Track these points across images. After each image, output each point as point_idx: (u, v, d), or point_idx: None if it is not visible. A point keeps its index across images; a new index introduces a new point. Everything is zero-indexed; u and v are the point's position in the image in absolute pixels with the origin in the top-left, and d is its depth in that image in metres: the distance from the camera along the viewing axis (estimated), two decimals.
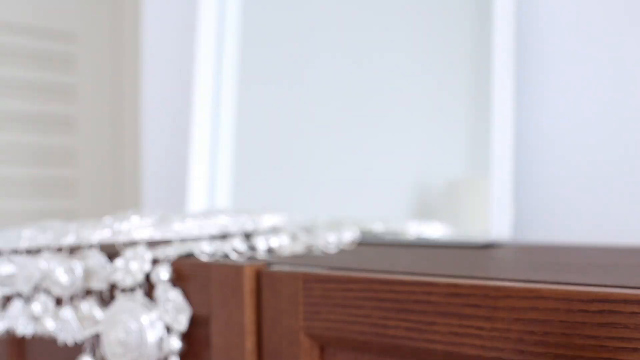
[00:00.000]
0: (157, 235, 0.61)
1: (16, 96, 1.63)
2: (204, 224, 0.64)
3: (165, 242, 0.62)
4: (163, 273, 0.57)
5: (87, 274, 0.61)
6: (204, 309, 0.56)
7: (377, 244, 0.75)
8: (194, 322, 0.57)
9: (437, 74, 0.82)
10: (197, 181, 0.93)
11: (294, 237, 0.68)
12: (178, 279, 0.58)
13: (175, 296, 0.57)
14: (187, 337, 0.58)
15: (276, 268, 0.54)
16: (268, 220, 0.69)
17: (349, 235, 0.71)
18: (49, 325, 0.62)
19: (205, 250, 0.60)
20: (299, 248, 0.66)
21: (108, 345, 0.59)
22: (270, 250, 0.65)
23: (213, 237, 0.65)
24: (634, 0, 0.74)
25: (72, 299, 0.62)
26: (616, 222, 0.74)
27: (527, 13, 0.80)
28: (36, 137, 1.66)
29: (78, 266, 0.61)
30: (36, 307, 0.63)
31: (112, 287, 0.61)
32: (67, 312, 0.61)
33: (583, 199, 0.76)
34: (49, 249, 0.63)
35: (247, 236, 0.66)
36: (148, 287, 0.59)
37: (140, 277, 0.58)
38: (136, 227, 0.61)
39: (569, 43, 0.78)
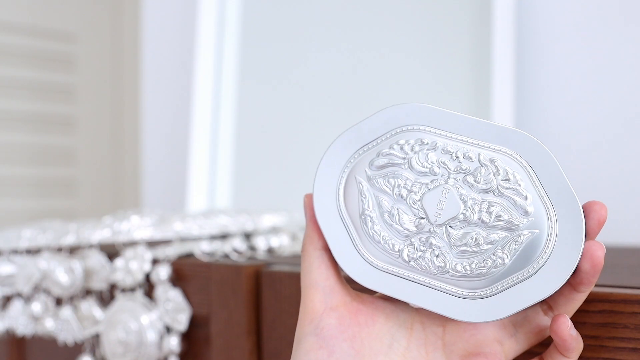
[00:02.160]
0: (157, 235, 0.61)
1: (16, 96, 1.63)
2: (204, 224, 0.64)
3: (165, 242, 0.62)
4: (163, 273, 0.57)
5: (87, 273, 0.61)
6: (204, 309, 0.57)
7: None
8: (194, 322, 0.57)
9: (436, 73, 0.82)
10: (197, 181, 0.93)
11: (294, 237, 0.68)
12: (178, 279, 0.58)
13: (175, 296, 0.57)
14: (187, 337, 0.58)
15: (276, 268, 0.54)
16: (268, 220, 0.69)
17: None
18: (49, 325, 0.62)
19: (205, 250, 0.60)
20: (299, 248, 0.66)
21: (108, 345, 0.59)
22: (270, 250, 0.65)
23: (213, 237, 0.65)
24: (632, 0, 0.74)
25: (72, 298, 0.62)
26: (616, 222, 0.74)
27: (527, 13, 0.80)
28: (36, 137, 1.66)
29: (78, 266, 0.61)
30: (36, 307, 0.63)
31: (112, 287, 0.61)
32: (67, 312, 0.61)
33: (583, 199, 0.76)
34: (49, 248, 0.63)
35: (247, 236, 0.66)
36: (148, 287, 0.59)
37: (140, 277, 0.58)
38: (136, 227, 0.61)
39: (569, 43, 0.78)
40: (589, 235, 0.36)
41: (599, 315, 0.39)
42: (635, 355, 0.38)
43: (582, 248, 0.35)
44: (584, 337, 0.40)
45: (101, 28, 1.77)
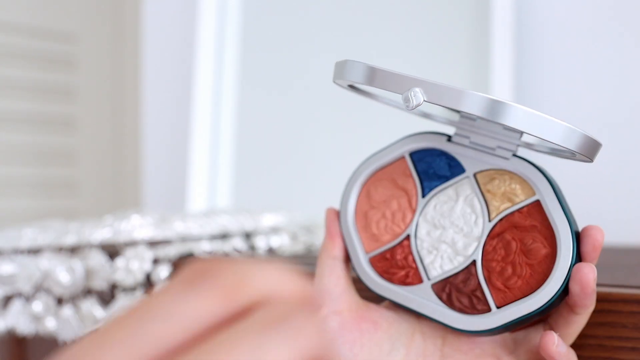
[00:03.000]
0: (157, 234, 0.61)
1: (16, 96, 1.63)
2: (204, 224, 0.64)
3: (166, 242, 0.62)
4: (163, 272, 0.57)
5: (88, 273, 0.61)
6: None
7: None
8: None
9: (435, 76, 0.82)
10: (197, 181, 0.93)
11: (294, 237, 0.68)
12: None
13: None
14: None
15: None
16: (268, 220, 0.69)
17: None
18: (50, 325, 0.62)
19: (205, 250, 0.60)
20: (299, 248, 0.66)
21: None
22: (270, 250, 0.65)
23: (213, 237, 0.65)
24: None
25: (73, 298, 0.62)
26: (615, 222, 0.74)
27: (526, 12, 0.80)
28: (37, 137, 1.66)
29: (79, 266, 0.61)
30: (37, 306, 0.63)
31: (113, 287, 0.61)
32: (68, 311, 0.61)
33: (582, 198, 0.76)
34: (50, 248, 0.63)
35: (248, 236, 0.67)
36: (149, 286, 0.59)
37: (140, 277, 0.58)
38: (137, 226, 0.61)
39: (568, 41, 0.78)
40: (584, 259, 0.36)
41: (597, 315, 0.40)
42: (634, 354, 0.39)
43: (568, 268, 0.36)
44: (582, 336, 0.40)
45: (101, 28, 1.77)
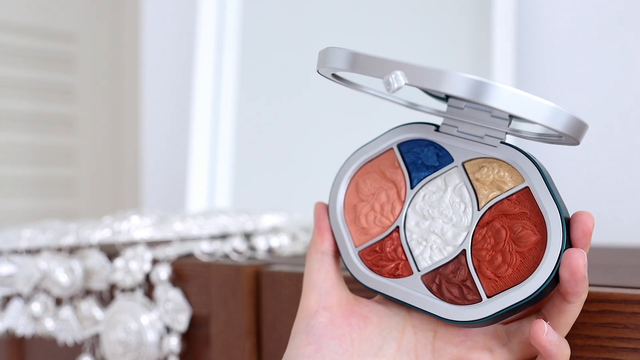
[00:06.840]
0: (157, 235, 0.61)
1: (16, 96, 1.62)
2: (203, 224, 0.64)
3: (165, 242, 0.62)
4: (163, 273, 0.57)
5: (87, 274, 0.61)
6: (204, 309, 0.56)
7: None
8: (193, 322, 0.57)
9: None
10: (197, 181, 0.93)
11: (294, 237, 0.68)
12: (178, 279, 0.58)
13: (175, 296, 0.57)
14: (186, 337, 0.58)
15: (276, 268, 0.54)
16: (268, 220, 0.69)
17: None
18: (49, 325, 0.62)
19: (205, 250, 0.60)
20: (299, 248, 0.66)
21: (108, 345, 0.59)
22: (270, 250, 0.65)
23: (213, 237, 0.65)
24: None
25: (71, 299, 0.62)
26: (616, 222, 0.73)
27: (527, 9, 0.80)
28: (36, 137, 1.66)
29: (78, 266, 0.61)
30: (36, 307, 0.63)
31: (112, 287, 0.61)
32: (67, 312, 0.61)
33: (582, 199, 0.76)
34: (48, 249, 0.63)
35: (247, 236, 0.66)
36: (148, 287, 0.59)
37: (140, 277, 0.58)
38: (136, 227, 0.61)
39: (569, 39, 0.78)
40: (574, 245, 0.36)
41: (599, 315, 0.39)
42: (636, 355, 0.38)
43: (558, 255, 0.35)
44: (584, 337, 0.40)
45: (101, 28, 1.77)
